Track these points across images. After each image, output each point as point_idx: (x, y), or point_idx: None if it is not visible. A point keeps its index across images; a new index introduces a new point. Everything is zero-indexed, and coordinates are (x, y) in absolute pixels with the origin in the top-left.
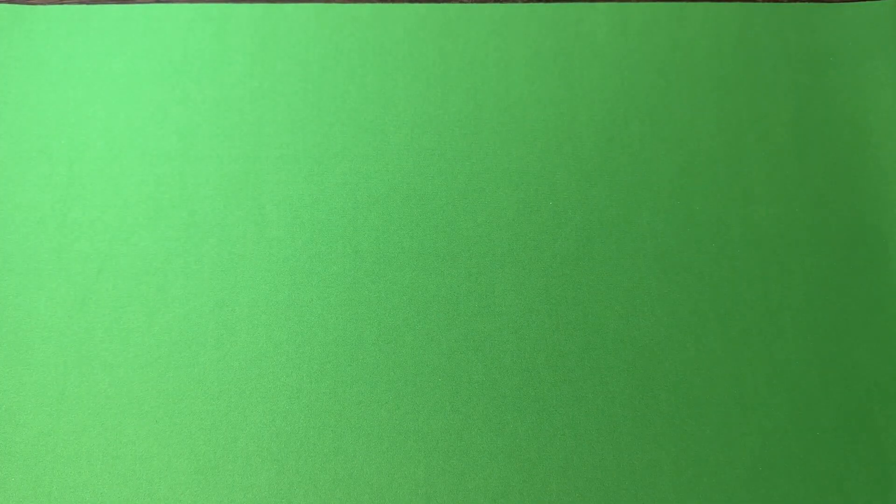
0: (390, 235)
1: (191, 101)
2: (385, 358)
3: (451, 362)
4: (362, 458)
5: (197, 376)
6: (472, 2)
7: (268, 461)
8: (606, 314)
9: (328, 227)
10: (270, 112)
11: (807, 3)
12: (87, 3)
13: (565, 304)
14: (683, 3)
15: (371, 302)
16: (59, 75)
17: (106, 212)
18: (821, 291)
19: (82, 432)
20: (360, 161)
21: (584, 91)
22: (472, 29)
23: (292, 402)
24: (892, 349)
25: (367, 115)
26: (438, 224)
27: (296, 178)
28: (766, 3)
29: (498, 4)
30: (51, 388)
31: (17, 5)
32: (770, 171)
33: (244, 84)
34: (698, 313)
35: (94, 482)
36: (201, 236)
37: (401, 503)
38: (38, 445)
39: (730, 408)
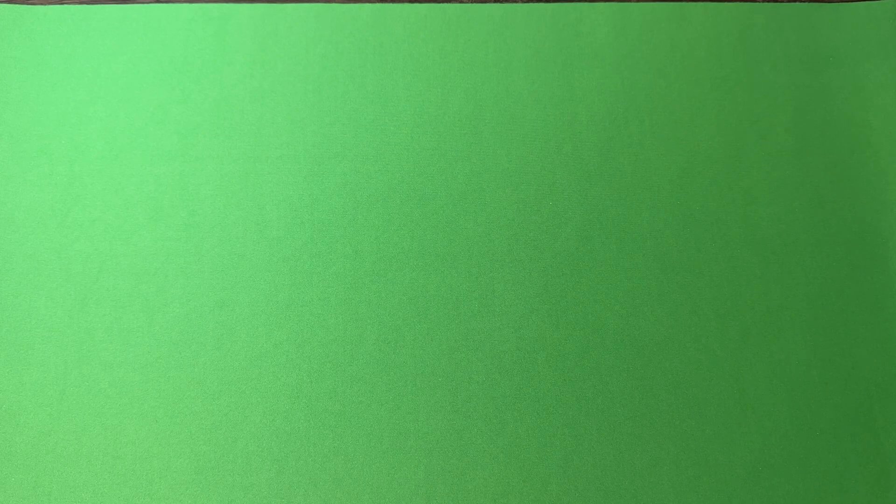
0: (390, 235)
1: (191, 101)
2: (385, 358)
3: (451, 362)
4: (362, 458)
5: (197, 376)
6: (472, 2)
7: (268, 461)
8: (606, 314)
9: (328, 227)
10: (270, 112)
11: (807, 3)
12: (87, 3)
13: (565, 303)
14: (683, 3)
15: (371, 302)
16: (59, 75)
17: (106, 212)
18: (821, 291)
19: (82, 432)
20: (360, 161)
21: (584, 91)
22: (472, 29)
23: (292, 402)
24: (892, 349)
25: (367, 115)
26: (438, 224)
27: (296, 178)
28: (766, 3)
29: (498, 4)
30: (51, 388)
31: (17, 5)
32: (770, 171)
33: (244, 84)
34: (698, 313)
35: (94, 482)
36: (201, 236)
37: (401, 503)
38: (38, 445)
39: (730, 408)
